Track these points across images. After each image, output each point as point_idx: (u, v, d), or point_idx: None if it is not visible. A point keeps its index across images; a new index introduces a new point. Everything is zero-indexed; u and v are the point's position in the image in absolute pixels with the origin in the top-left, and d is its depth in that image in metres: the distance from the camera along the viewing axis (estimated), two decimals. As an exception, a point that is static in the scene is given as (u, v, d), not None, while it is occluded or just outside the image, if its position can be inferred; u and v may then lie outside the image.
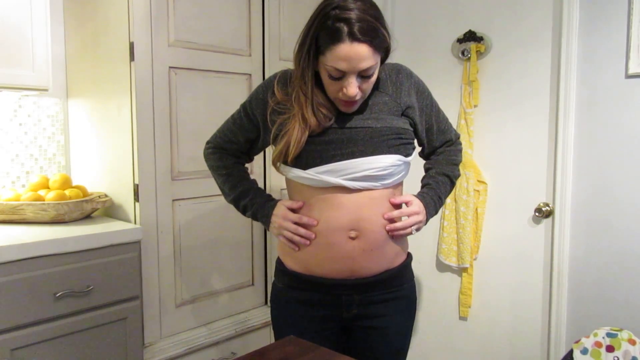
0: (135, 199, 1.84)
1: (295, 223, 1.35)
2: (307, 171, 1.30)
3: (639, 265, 1.87)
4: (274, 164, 1.36)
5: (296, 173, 1.32)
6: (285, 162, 1.33)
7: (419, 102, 1.40)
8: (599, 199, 1.95)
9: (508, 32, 2.15)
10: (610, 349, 1.78)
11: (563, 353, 2.04)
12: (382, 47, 1.24)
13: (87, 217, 1.91)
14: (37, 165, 2.05)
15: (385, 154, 1.30)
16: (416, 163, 1.58)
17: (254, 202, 1.43)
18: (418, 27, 2.44)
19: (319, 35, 1.21)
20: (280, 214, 1.36)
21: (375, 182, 1.31)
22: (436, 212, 1.44)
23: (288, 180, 1.41)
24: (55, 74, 2.05)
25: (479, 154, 2.26)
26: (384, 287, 1.38)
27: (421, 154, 1.56)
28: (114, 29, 1.85)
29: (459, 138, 1.55)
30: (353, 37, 1.17)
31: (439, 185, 1.45)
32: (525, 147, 2.13)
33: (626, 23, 1.84)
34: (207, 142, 1.54)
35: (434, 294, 2.45)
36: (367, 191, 1.32)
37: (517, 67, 2.13)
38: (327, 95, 1.30)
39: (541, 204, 2.08)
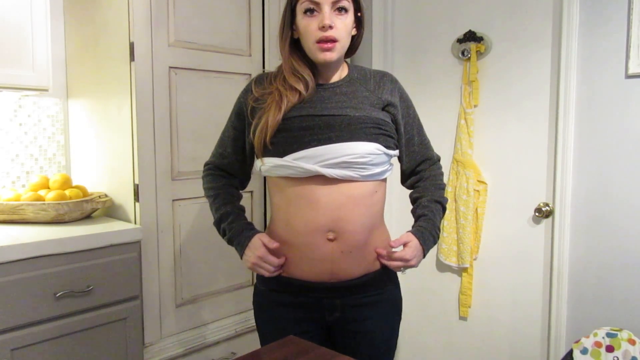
0: (135, 199, 1.84)
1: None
2: (284, 158, 1.29)
3: (638, 265, 1.87)
4: (257, 155, 1.35)
5: (274, 162, 1.30)
6: (265, 149, 1.31)
7: (402, 108, 1.41)
8: (599, 199, 1.95)
9: (508, 32, 2.15)
10: (610, 349, 1.78)
11: (563, 353, 2.04)
12: None
13: (87, 217, 1.91)
14: (37, 165, 2.05)
15: (364, 140, 1.29)
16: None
17: (231, 227, 1.39)
18: (418, 27, 2.44)
19: None
20: (258, 253, 1.33)
21: (354, 172, 1.29)
22: (435, 243, 1.41)
23: (268, 180, 1.40)
24: (55, 74, 2.05)
25: (479, 154, 2.26)
26: (367, 290, 1.37)
27: (403, 179, 1.53)
28: (114, 29, 1.85)
29: (439, 160, 1.52)
30: None
31: (434, 215, 1.41)
32: (525, 147, 2.13)
33: (626, 23, 1.84)
34: (205, 164, 1.53)
35: (434, 294, 2.45)
36: (345, 186, 1.30)
37: (517, 67, 2.13)
38: (303, 61, 1.33)
39: (541, 204, 2.08)
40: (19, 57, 1.73)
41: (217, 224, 1.43)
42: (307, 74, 1.32)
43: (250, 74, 2.13)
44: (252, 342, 2.19)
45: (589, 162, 1.96)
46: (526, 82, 2.11)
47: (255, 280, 2.19)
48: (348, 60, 1.45)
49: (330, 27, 1.26)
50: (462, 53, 2.27)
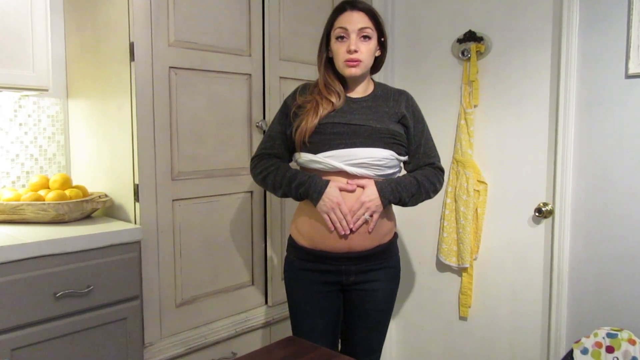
0: (135, 199, 1.84)
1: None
2: (317, 155, 1.61)
3: (638, 265, 1.87)
4: (297, 148, 1.66)
5: (308, 157, 1.63)
6: (304, 145, 1.62)
7: (412, 121, 1.70)
8: (599, 199, 1.95)
9: (508, 32, 2.15)
10: (610, 349, 1.78)
11: (563, 353, 2.04)
12: (378, 22, 1.64)
13: (87, 217, 1.91)
14: (37, 165, 2.06)
15: (382, 148, 1.61)
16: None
17: (305, 180, 1.61)
18: (418, 27, 2.44)
19: (330, 20, 1.66)
20: (335, 200, 1.58)
21: (371, 172, 1.61)
22: (394, 197, 1.63)
23: (302, 170, 1.68)
24: (55, 74, 2.05)
25: (479, 154, 2.26)
26: (376, 259, 1.69)
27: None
28: (114, 29, 1.85)
29: (443, 171, 1.77)
30: (353, 7, 1.63)
31: (403, 179, 1.66)
32: (526, 147, 2.13)
33: (626, 23, 1.84)
34: (251, 160, 1.78)
35: (434, 294, 2.45)
36: (363, 182, 1.60)
37: (517, 67, 2.14)
38: (336, 76, 1.67)
39: (541, 204, 2.08)
40: (19, 57, 1.73)
41: (288, 184, 1.64)
42: (338, 87, 1.66)
43: (250, 74, 2.13)
44: (252, 342, 2.19)
45: (589, 162, 1.96)
46: (526, 82, 2.11)
47: (254, 280, 2.19)
48: (374, 77, 1.77)
49: (356, 51, 1.60)
50: (462, 53, 2.27)
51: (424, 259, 2.47)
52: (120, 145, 1.88)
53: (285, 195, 1.67)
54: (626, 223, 1.89)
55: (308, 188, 1.60)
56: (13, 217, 1.76)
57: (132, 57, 1.79)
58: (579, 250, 2.01)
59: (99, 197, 1.91)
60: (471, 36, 2.24)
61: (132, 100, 1.81)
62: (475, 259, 2.29)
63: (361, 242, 1.64)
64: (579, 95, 1.97)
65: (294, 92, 1.73)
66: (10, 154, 1.99)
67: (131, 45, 1.79)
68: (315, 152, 1.62)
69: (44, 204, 1.75)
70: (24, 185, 2.01)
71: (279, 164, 1.69)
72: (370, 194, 1.59)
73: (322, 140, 1.61)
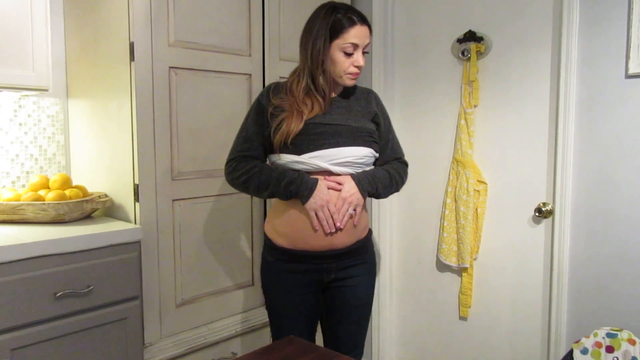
0: (135, 199, 1.84)
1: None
2: (301, 156, 1.61)
3: (639, 265, 1.87)
4: (276, 149, 1.63)
5: (292, 158, 1.61)
6: (285, 146, 1.60)
7: (381, 119, 1.77)
8: (599, 199, 1.95)
9: (508, 32, 2.15)
10: (610, 349, 1.78)
11: (563, 353, 2.04)
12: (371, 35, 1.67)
13: (87, 217, 1.91)
14: (37, 165, 2.06)
15: (362, 146, 1.66)
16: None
17: (295, 178, 1.59)
18: (418, 27, 2.44)
19: (332, 26, 1.61)
20: (325, 198, 1.60)
21: (353, 170, 1.65)
22: (372, 188, 1.67)
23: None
24: (55, 74, 2.05)
25: (479, 154, 2.26)
26: (355, 255, 1.72)
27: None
28: (114, 29, 1.85)
29: (407, 165, 1.85)
30: (362, 21, 1.64)
31: (376, 171, 1.70)
32: (526, 147, 2.13)
33: (626, 23, 1.84)
34: (227, 163, 1.71)
35: (434, 294, 2.45)
36: (340, 178, 1.63)
37: (517, 67, 2.13)
38: (327, 80, 1.64)
39: (541, 204, 2.08)
40: (19, 57, 1.73)
41: (276, 184, 1.61)
42: (328, 92, 1.66)
43: (250, 74, 2.13)
44: (252, 342, 2.19)
45: (589, 162, 1.96)
46: (526, 82, 2.11)
47: (254, 280, 2.19)
48: None
49: (362, 66, 1.66)
50: (462, 53, 2.27)
51: (424, 259, 2.47)
52: (120, 145, 1.88)
53: (272, 195, 1.64)
54: (626, 223, 1.89)
55: (299, 186, 1.58)
56: (13, 217, 1.76)
57: (132, 57, 1.79)
58: (579, 251, 2.01)
59: (99, 197, 1.91)
60: (471, 36, 2.24)
61: (132, 100, 1.81)
62: (475, 259, 2.29)
63: (343, 239, 1.66)
64: (579, 95, 1.97)
65: (267, 92, 1.69)
66: (10, 154, 1.99)
67: (131, 45, 1.79)
68: (298, 153, 1.61)
69: (44, 204, 1.75)
70: (24, 185, 2.01)
71: (261, 165, 1.66)
72: (350, 189, 1.62)
73: (306, 141, 1.61)
